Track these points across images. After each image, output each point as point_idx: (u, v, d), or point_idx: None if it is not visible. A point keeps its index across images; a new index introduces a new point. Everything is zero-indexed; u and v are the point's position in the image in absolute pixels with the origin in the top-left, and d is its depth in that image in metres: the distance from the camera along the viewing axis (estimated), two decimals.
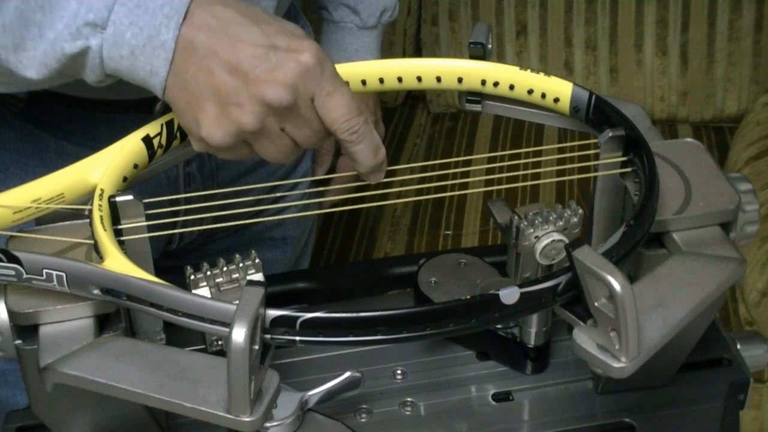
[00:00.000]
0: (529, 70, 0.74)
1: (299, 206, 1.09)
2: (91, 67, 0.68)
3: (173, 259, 1.01)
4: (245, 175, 1.03)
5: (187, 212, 0.88)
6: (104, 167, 0.68)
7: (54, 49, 0.67)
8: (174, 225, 0.66)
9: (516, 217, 0.72)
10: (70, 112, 0.91)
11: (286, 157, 0.70)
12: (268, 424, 0.67)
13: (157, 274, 0.60)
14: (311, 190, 1.08)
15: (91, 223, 0.64)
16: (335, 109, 0.67)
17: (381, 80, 0.76)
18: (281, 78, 0.65)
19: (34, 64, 0.68)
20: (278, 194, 1.08)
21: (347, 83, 0.69)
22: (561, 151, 0.71)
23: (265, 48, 0.66)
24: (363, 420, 0.74)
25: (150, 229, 0.66)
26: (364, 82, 0.76)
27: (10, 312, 0.63)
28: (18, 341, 0.64)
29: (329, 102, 0.67)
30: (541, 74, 0.74)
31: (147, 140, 0.70)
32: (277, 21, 0.68)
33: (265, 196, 1.07)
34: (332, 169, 1.19)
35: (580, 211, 0.73)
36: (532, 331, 0.75)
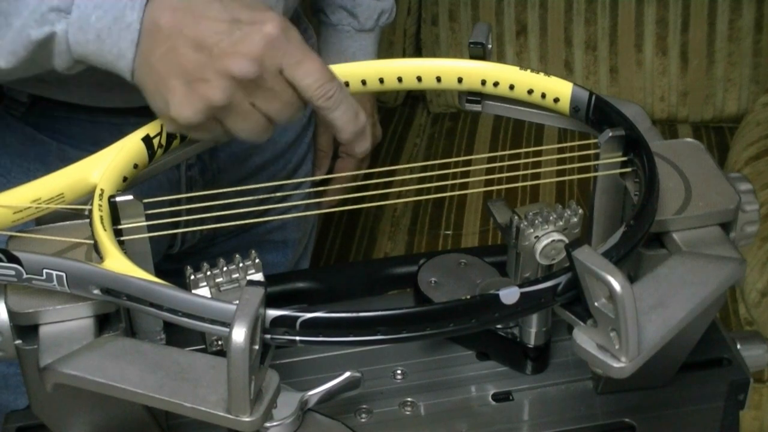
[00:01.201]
0: (529, 70, 0.74)
1: (300, 208, 1.09)
2: (59, 54, 0.68)
3: (174, 263, 1.01)
4: (247, 178, 1.03)
5: (188, 214, 0.88)
6: (104, 167, 0.68)
7: (21, 36, 0.67)
8: (175, 226, 0.66)
9: (516, 217, 0.72)
10: (71, 116, 0.91)
11: (259, 134, 0.69)
12: (268, 424, 0.67)
13: (158, 277, 0.60)
14: (312, 189, 1.08)
15: (91, 223, 0.64)
16: (306, 76, 0.67)
17: (381, 80, 0.76)
18: (246, 50, 0.65)
19: (2, 53, 0.68)
20: (280, 194, 1.08)
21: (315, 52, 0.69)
22: (561, 151, 0.71)
23: (228, 22, 0.66)
24: (363, 420, 0.74)
25: (150, 229, 0.66)
26: (364, 82, 0.76)
27: (10, 312, 0.63)
28: (18, 341, 0.64)
29: (299, 70, 0.67)
30: (541, 74, 0.74)
31: (147, 140, 0.70)
32: None
33: (267, 196, 1.07)
34: (331, 171, 1.20)
35: (580, 211, 0.73)
36: (532, 331, 0.75)
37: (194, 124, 0.67)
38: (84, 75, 0.86)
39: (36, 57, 0.69)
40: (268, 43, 0.66)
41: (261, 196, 1.05)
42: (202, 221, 0.91)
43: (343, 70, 0.75)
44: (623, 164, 0.70)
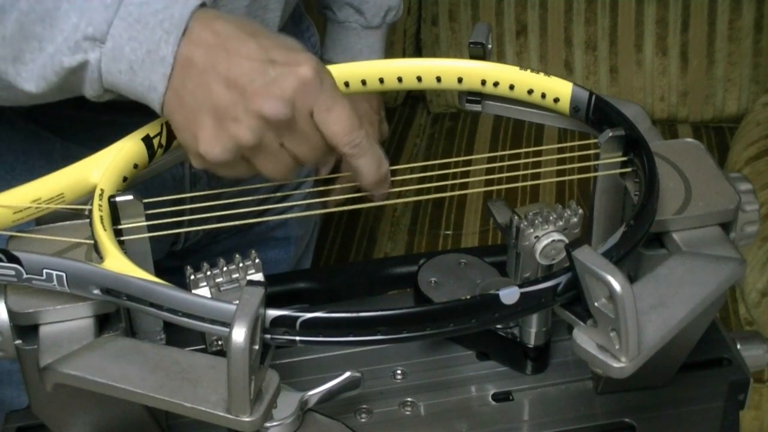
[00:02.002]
0: (529, 70, 0.74)
1: (302, 206, 1.09)
2: (90, 82, 0.68)
3: (177, 260, 1.01)
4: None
5: (190, 213, 0.88)
6: (104, 167, 0.68)
7: (53, 62, 0.67)
8: (177, 225, 0.66)
9: (516, 217, 0.72)
10: (75, 113, 0.91)
11: (285, 175, 0.69)
12: (268, 424, 0.67)
13: (160, 275, 0.60)
14: (315, 189, 1.08)
15: (91, 223, 0.64)
16: (335, 123, 0.67)
17: (381, 80, 0.76)
18: (279, 92, 0.65)
19: (32, 77, 0.68)
20: (282, 194, 1.08)
21: (346, 97, 0.69)
22: (561, 151, 0.71)
23: (262, 62, 0.65)
24: (363, 420, 0.74)
25: (150, 229, 0.66)
26: (364, 82, 0.76)
27: (10, 312, 0.63)
28: (18, 341, 0.64)
29: (329, 116, 0.66)
30: (541, 74, 0.74)
31: (147, 140, 0.70)
32: (276, 36, 0.68)
33: (269, 195, 1.07)
34: (335, 169, 1.20)
35: (580, 211, 0.73)
36: (532, 331, 0.75)
37: (222, 163, 0.67)
38: None
39: (66, 83, 0.69)
40: (302, 86, 0.65)
41: (264, 196, 1.05)
42: (203, 220, 0.91)
43: (343, 70, 0.75)
44: (623, 164, 0.70)
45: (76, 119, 0.91)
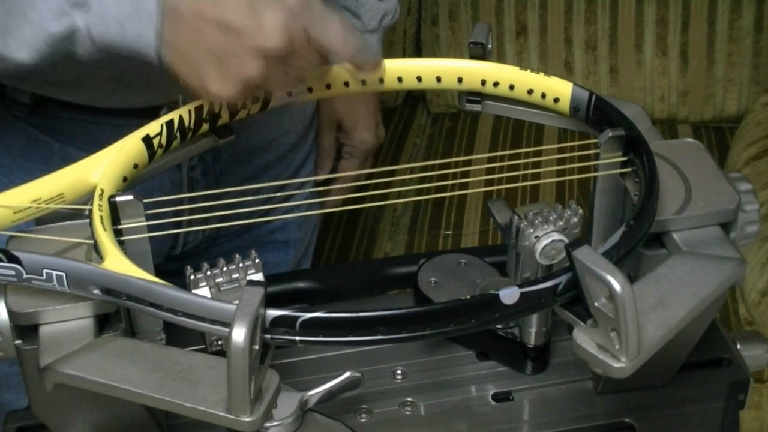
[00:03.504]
0: (529, 70, 0.74)
1: (302, 209, 1.09)
2: (83, 45, 0.69)
3: (176, 263, 1.01)
4: (249, 180, 1.03)
5: (189, 215, 0.88)
6: (104, 167, 0.68)
7: (40, 30, 0.68)
8: (177, 227, 0.66)
9: (516, 217, 0.72)
10: (74, 117, 0.91)
11: (290, 88, 0.74)
12: (268, 424, 0.67)
13: (160, 277, 0.60)
14: (314, 189, 1.08)
15: (91, 223, 0.64)
16: (333, 34, 0.69)
17: (381, 80, 0.76)
18: (272, 25, 0.66)
19: (23, 48, 0.69)
20: (282, 194, 1.08)
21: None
22: (561, 151, 0.71)
23: (248, 1, 0.67)
24: (363, 420, 0.74)
25: (150, 229, 0.66)
26: (363, 82, 0.76)
27: (10, 312, 0.63)
28: (18, 341, 0.64)
29: (325, 30, 0.69)
30: (541, 74, 0.74)
31: (147, 140, 0.70)
32: None
33: (270, 195, 1.07)
34: (333, 171, 1.20)
35: (580, 211, 0.73)
36: (532, 331, 0.75)
37: (236, 97, 0.69)
38: (87, 77, 0.86)
39: (58, 50, 0.70)
40: (291, 13, 0.67)
41: (263, 196, 1.05)
42: (203, 222, 0.91)
43: (343, 70, 0.75)
44: (623, 164, 0.70)
45: (74, 122, 0.91)
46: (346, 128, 1.19)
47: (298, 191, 1.12)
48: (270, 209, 1.09)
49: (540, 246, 0.72)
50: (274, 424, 0.67)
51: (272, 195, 1.07)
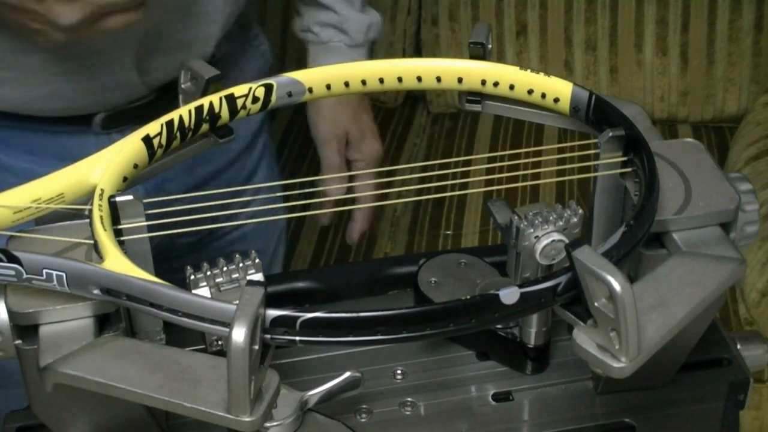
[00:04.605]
0: (529, 70, 0.74)
1: (258, 215, 1.07)
2: None
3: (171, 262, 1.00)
4: (196, 188, 1.01)
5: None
6: (104, 167, 0.68)
7: None
8: (176, 227, 0.66)
9: (516, 217, 0.72)
10: (5, 124, 0.90)
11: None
12: (268, 424, 0.67)
13: (160, 275, 0.60)
14: (278, 194, 1.07)
15: (91, 223, 0.64)
16: None
17: (381, 80, 0.76)
18: None
19: None
20: (239, 199, 1.07)
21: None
22: (561, 151, 0.71)
23: None
24: (363, 420, 0.74)
25: (150, 229, 0.66)
26: (364, 82, 0.76)
27: (10, 312, 0.63)
28: (18, 341, 0.64)
29: None
30: (541, 74, 0.74)
31: (147, 140, 0.70)
32: None
33: (227, 201, 1.05)
34: (349, 189, 1.19)
35: (580, 211, 0.73)
36: (532, 331, 0.75)
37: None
38: (20, 76, 0.86)
39: None
40: None
41: (217, 202, 1.03)
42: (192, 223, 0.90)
43: (343, 70, 0.75)
44: (623, 164, 0.70)
45: (6, 129, 0.90)
46: (354, 140, 1.17)
47: (254, 197, 1.10)
48: (228, 217, 1.07)
49: (540, 246, 0.72)
50: (274, 424, 0.67)
51: (227, 201, 1.05)
